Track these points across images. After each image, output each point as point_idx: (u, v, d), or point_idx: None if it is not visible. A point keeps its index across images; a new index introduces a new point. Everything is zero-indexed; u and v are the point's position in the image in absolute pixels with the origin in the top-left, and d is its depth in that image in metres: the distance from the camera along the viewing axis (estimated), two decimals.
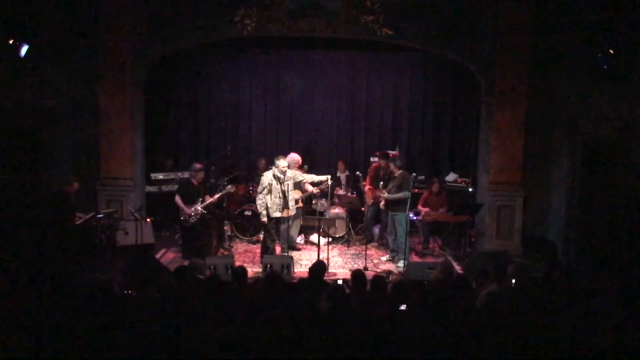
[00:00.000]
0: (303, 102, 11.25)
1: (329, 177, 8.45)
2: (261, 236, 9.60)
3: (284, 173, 8.10)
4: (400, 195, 8.26)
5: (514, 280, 5.74)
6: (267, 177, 8.14)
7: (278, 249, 8.57)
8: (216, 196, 8.72)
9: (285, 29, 8.86)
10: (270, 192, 8.10)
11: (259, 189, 8.18)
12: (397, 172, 8.45)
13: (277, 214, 8.16)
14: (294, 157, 8.87)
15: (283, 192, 8.13)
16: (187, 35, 9.06)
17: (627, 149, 7.53)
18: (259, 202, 8.16)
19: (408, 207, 8.23)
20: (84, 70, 8.99)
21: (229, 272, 7.04)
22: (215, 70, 11.13)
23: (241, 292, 5.39)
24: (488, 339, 4.28)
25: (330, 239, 9.19)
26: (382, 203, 8.69)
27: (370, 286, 5.62)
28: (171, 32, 9.02)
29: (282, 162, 8.09)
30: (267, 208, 8.11)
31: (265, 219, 8.15)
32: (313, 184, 9.03)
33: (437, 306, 4.89)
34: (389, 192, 8.44)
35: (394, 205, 8.42)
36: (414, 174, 8.64)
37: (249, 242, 9.66)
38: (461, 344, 4.22)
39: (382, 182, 8.74)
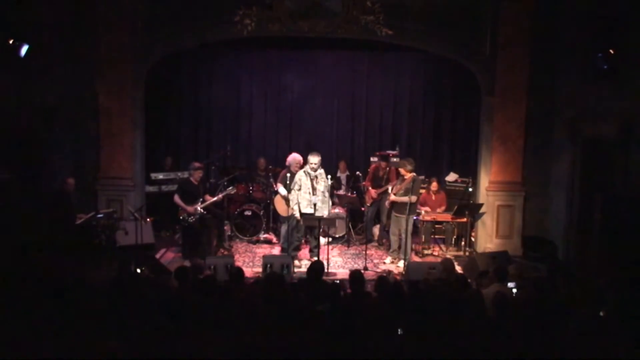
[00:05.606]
0: (303, 102, 11.25)
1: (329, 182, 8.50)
2: (261, 236, 9.65)
3: (314, 170, 8.25)
4: (405, 199, 8.23)
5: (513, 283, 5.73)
6: (298, 174, 8.31)
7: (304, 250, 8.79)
8: (220, 195, 8.74)
9: (285, 29, 8.86)
10: (300, 188, 8.23)
11: (291, 185, 8.31)
12: (408, 175, 8.41)
13: (309, 210, 8.25)
14: (296, 157, 8.85)
15: (313, 188, 8.25)
16: (187, 35, 9.08)
17: (627, 149, 7.53)
18: (291, 197, 8.30)
19: (409, 209, 8.19)
20: (84, 69, 8.98)
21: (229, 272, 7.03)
22: (215, 70, 11.12)
23: (238, 292, 5.37)
24: (497, 340, 4.27)
25: (330, 239, 9.19)
26: (387, 203, 8.70)
27: (374, 287, 5.61)
28: (171, 32, 9.03)
29: (314, 159, 8.25)
30: (298, 204, 8.23)
31: (298, 215, 8.25)
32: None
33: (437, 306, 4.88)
34: (395, 194, 8.41)
35: (400, 206, 8.39)
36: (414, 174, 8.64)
37: (249, 242, 9.65)
38: (464, 344, 4.22)
39: (390, 187, 8.77)
